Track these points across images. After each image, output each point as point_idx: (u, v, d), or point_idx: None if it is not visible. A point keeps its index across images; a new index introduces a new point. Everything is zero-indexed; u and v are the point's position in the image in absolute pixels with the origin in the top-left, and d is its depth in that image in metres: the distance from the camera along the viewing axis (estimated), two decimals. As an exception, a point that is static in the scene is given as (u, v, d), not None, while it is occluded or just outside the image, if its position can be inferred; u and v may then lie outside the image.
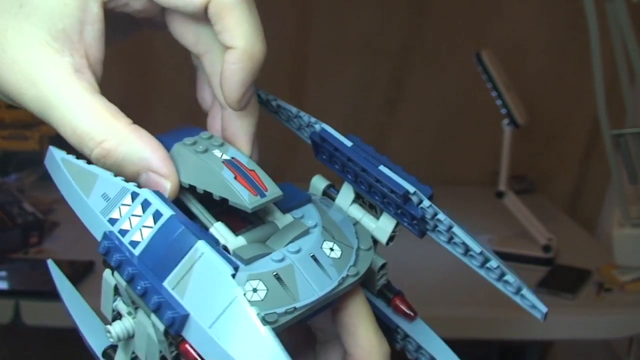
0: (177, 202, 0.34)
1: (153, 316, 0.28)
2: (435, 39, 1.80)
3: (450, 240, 0.33)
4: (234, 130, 0.36)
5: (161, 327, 0.28)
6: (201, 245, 0.28)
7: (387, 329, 0.38)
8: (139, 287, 0.29)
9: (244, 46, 0.33)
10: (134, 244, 0.30)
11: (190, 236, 0.29)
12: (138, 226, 0.30)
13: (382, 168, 0.34)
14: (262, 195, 0.32)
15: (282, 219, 0.35)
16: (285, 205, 0.35)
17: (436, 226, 0.33)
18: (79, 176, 0.32)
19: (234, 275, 0.27)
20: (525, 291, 0.31)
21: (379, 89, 1.87)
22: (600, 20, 1.13)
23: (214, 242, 0.29)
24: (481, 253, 0.32)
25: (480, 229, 1.51)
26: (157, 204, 0.30)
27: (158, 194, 0.31)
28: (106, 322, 0.32)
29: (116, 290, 0.31)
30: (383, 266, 0.36)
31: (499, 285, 0.32)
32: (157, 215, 0.30)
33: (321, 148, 0.36)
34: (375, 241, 0.36)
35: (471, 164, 1.90)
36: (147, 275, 0.29)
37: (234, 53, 0.34)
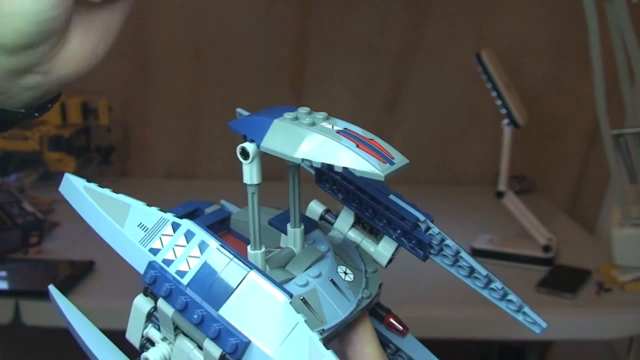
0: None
1: (207, 343, 0.29)
2: (435, 39, 1.80)
3: (455, 263, 0.35)
4: None
5: (217, 353, 0.29)
6: (254, 276, 0.29)
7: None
8: (195, 316, 0.29)
9: None
10: (181, 273, 0.30)
11: (240, 267, 0.29)
12: (184, 256, 0.30)
13: (392, 197, 0.36)
14: (391, 163, 0.30)
15: (299, 246, 0.35)
16: None
17: (442, 250, 0.35)
18: (108, 205, 0.33)
19: (290, 303, 0.28)
20: (526, 309, 0.34)
21: (379, 89, 1.87)
22: (600, 20, 1.13)
23: (261, 270, 0.30)
24: (486, 276, 0.34)
25: (480, 229, 1.51)
26: (201, 234, 0.31)
27: (199, 224, 0.31)
28: (130, 348, 0.33)
29: (148, 317, 0.32)
30: (379, 286, 0.37)
31: (502, 304, 0.34)
32: (202, 246, 0.30)
33: (325, 176, 0.37)
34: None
35: (471, 164, 1.90)
36: (202, 304, 0.29)
37: None
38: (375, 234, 0.38)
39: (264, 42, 1.75)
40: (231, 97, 1.73)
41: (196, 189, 1.77)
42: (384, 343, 0.39)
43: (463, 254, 0.34)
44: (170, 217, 0.32)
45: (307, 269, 0.33)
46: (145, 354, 0.31)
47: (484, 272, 0.34)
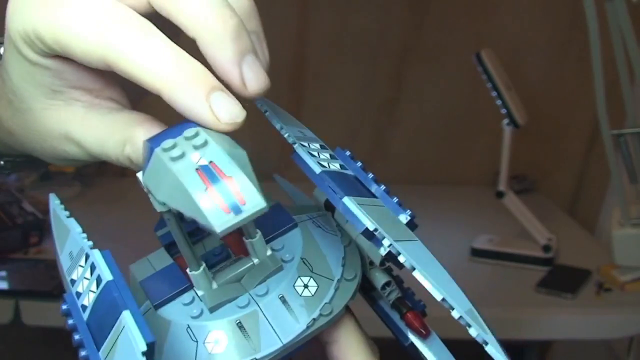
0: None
1: None
2: (435, 39, 1.80)
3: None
4: (213, 63, 0.29)
5: None
6: (125, 316, 0.26)
7: (401, 344, 0.36)
8: (81, 355, 0.28)
9: (200, 31, 0.29)
10: (84, 308, 0.28)
11: (118, 305, 0.27)
12: (87, 290, 0.29)
13: (346, 200, 0.31)
14: (237, 212, 0.25)
15: (262, 254, 0.32)
16: (268, 233, 0.33)
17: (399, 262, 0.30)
18: (59, 229, 0.32)
19: (145, 353, 0.25)
20: (489, 347, 0.29)
21: (379, 89, 1.87)
22: (600, 20, 1.13)
23: (184, 289, 0.29)
24: (443, 300, 0.29)
25: (480, 229, 1.51)
26: (100, 267, 0.28)
27: (106, 255, 0.29)
28: None
29: None
30: (388, 284, 0.35)
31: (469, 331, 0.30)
32: (99, 280, 0.28)
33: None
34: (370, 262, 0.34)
35: (471, 164, 1.90)
36: (87, 344, 0.28)
37: (199, 44, 0.29)
38: None
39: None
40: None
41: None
42: (405, 345, 0.36)
43: (416, 272, 0.29)
44: (86, 246, 0.30)
45: (259, 283, 0.31)
46: None
47: (439, 296, 0.29)
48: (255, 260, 0.32)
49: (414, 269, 0.28)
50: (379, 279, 0.34)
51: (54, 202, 0.34)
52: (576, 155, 1.84)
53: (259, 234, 0.32)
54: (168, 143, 0.28)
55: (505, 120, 1.43)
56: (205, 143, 0.27)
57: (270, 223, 0.33)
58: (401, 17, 1.80)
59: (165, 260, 0.34)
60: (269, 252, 0.32)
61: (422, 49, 1.81)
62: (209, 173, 0.26)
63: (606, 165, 1.24)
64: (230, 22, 0.28)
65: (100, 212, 1.57)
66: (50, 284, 1.23)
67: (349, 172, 0.34)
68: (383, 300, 0.36)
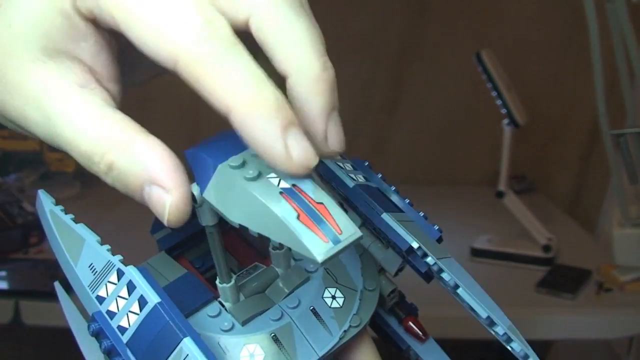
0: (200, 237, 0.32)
1: None
2: (435, 39, 1.80)
3: (454, 295, 0.31)
4: (301, 110, 0.27)
5: None
6: (186, 345, 0.26)
7: (399, 348, 0.37)
8: None
9: (297, 71, 0.27)
10: (122, 329, 0.27)
11: (175, 331, 0.26)
12: (125, 310, 0.27)
13: (384, 217, 0.31)
14: (336, 242, 0.24)
15: (282, 266, 0.32)
16: None
17: (441, 279, 0.31)
18: (66, 237, 0.30)
19: None
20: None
21: (379, 89, 1.86)
22: (600, 20, 1.13)
23: (208, 301, 0.28)
24: (488, 318, 0.31)
25: (480, 229, 1.51)
26: (142, 287, 0.27)
27: (144, 273, 0.28)
28: None
29: None
30: (393, 291, 0.35)
31: (508, 347, 0.31)
32: (142, 302, 0.27)
33: (324, 179, 0.34)
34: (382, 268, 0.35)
35: (471, 164, 1.90)
36: None
37: (290, 82, 0.27)
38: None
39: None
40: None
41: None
42: (403, 349, 0.36)
43: (461, 291, 0.30)
44: (116, 261, 0.28)
45: (288, 294, 0.31)
46: None
47: (484, 314, 0.30)
48: (279, 271, 0.32)
49: (457, 287, 0.30)
50: (386, 286, 0.35)
51: (48, 201, 0.31)
52: (576, 155, 1.84)
53: (287, 248, 0.31)
54: (235, 160, 0.26)
55: (505, 120, 1.43)
56: None
57: None
58: (401, 17, 1.80)
59: (172, 266, 0.34)
60: (292, 262, 0.32)
61: (422, 49, 1.81)
62: (296, 198, 0.25)
63: (606, 165, 1.24)
64: (331, 74, 0.28)
65: (101, 212, 1.57)
66: (50, 284, 1.22)
67: (372, 184, 0.34)
68: (380, 306, 0.36)
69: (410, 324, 0.35)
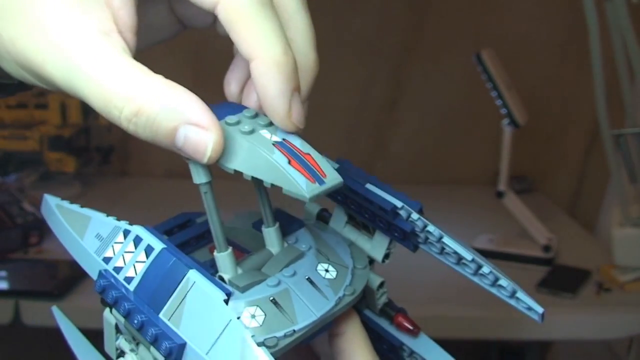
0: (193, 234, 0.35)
1: (152, 349, 0.29)
2: (435, 39, 1.80)
3: (442, 251, 0.33)
4: (262, 90, 0.30)
5: (161, 358, 0.28)
6: (192, 274, 0.28)
7: (392, 347, 0.38)
8: (135, 321, 0.29)
9: (262, 55, 0.29)
10: (129, 279, 0.30)
11: (181, 266, 0.29)
12: (131, 262, 0.30)
13: (368, 186, 0.34)
14: (321, 183, 0.28)
15: (278, 246, 0.34)
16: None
17: (427, 238, 0.33)
18: (72, 220, 0.33)
19: (226, 301, 0.27)
20: (519, 294, 0.31)
21: (379, 89, 1.87)
22: (600, 20, 1.13)
23: (207, 271, 0.29)
24: (473, 260, 0.32)
25: (480, 229, 1.51)
26: (148, 238, 0.30)
27: (149, 229, 0.31)
28: None
29: (117, 329, 0.32)
30: (382, 284, 0.36)
31: (493, 290, 0.32)
32: (149, 250, 0.30)
33: None
34: (372, 261, 0.36)
35: (471, 164, 1.90)
36: (143, 309, 0.29)
37: (257, 66, 0.30)
38: (369, 230, 0.36)
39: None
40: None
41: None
42: (396, 346, 0.37)
43: (446, 239, 0.32)
44: (122, 224, 0.31)
45: (283, 268, 0.33)
46: None
47: (469, 256, 0.32)
48: (273, 250, 0.34)
49: (441, 237, 0.32)
50: (375, 280, 0.36)
51: (54, 199, 0.34)
52: (576, 155, 1.84)
53: (277, 223, 0.34)
54: (232, 118, 0.30)
55: (505, 120, 1.43)
56: (271, 123, 0.30)
57: (281, 223, 0.35)
58: (401, 17, 1.80)
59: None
60: (285, 245, 0.34)
61: (422, 49, 1.81)
62: (286, 148, 0.29)
63: (606, 165, 1.24)
64: (289, 57, 0.30)
65: (101, 212, 1.57)
66: (50, 284, 1.23)
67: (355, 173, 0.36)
68: (369, 308, 0.37)
69: (401, 319, 0.37)
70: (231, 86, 0.35)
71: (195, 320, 0.28)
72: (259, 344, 0.28)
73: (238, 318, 0.27)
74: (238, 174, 0.29)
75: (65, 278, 1.25)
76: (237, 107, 0.31)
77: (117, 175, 1.82)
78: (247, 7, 0.29)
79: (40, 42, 0.29)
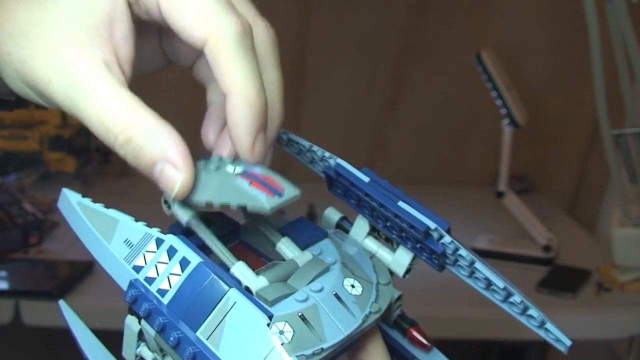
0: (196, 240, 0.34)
1: None
2: (435, 39, 1.80)
3: (471, 274, 0.33)
4: (234, 124, 0.34)
5: None
6: (233, 294, 0.28)
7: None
8: (171, 338, 0.28)
9: (239, 91, 0.33)
10: (162, 292, 0.29)
11: (220, 284, 0.28)
12: (165, 274, 0.30)
13: (401, 204, 0.34)
14: (280, 196, 0.31)
15: (301, 256, 0.34)
16: (303, 241, 0.35)
17: (457, 261, 0.33)
18: (97, 221, 0.33)
19: (269, 325, 0.27)
20: (549, 325, 0.31)
21: (379, 89, 1.87)
22: (600, 20, 1.13)
23: (242, 289, 0.29)
24: (504, 288, 0.31)
25: (480, 229, 1.51)
26: (183, 250, 0.30)
27: (183, 239, 0.30)
28: None
29: (140, 336, 0.31)
30: (399, 297, 0.36)
31: (522, 319, 0.32)
32: (184, 263, 0.29)
33: (335, 182, 0.36)
34: (390, 272, 0.36)
35: (471, 164, 1.90)
36: (178, 325, 0.28)
37: (231, 100, 0.33)
38: (392, 243, 0.36)
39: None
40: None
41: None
42: (408, 359, 0.37)
43: (478, 264, 0.32)
44: (155, 232, 0.31)
45: (310, 282, 0.32)
46: None
47: (501, 284, 0.31)
48: (300, 261, 0.33)
49: (473, 262, 0.32)
50: (393, 292, 0.35)
51: (74, 196, 0.34)
52: (576, 155, 1.84)
53: (285, 236, 0.35)
54: (200, 163, 0.33)
55: (505, 120, 1.43)
56: (234, 161, 0.33)
57: (304, 232, 0.35)
58: (401, 17, 1.80)
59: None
60: (310, 256, 0.34)
61: (422, 49, 1.81)
62: (248, 175, 0.32)
63: (606, 165, 1.24)
64: (262, 98, 0.33)
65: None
66: (50, 284, 1.23)
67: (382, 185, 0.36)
68: (383, 319, 0.36)
69: (415, 333, 0.36)
70: (209, 136, 0.38)
71: (236, 342, 0.27)
72: None
73: (282, 344, 0.27)
74: (209, 206, 0.32)
75: (65, 278, 1.25)
76: (205, 157, 0.34)
77: (117, 175, 1.82)
78: (233, 47, 0.32)
79: (49, 66, 0.32)
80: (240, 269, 0.32)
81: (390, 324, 0.37)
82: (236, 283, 0.29)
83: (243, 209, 0.31)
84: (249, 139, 0.33)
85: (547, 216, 1.53)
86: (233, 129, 0.33)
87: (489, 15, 1.77)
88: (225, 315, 0.28)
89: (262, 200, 0.31)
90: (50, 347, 1.60)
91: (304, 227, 0.36)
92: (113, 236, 0.32)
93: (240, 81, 0.33)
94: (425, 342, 0.36)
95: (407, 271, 0.35)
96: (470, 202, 1.73)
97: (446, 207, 1.57)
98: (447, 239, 0.32)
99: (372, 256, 0.36)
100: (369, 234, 0.36)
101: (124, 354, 0.32)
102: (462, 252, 0.32)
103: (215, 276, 0.29)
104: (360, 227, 0.37)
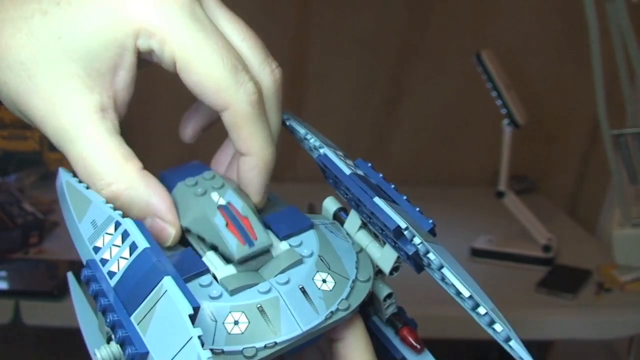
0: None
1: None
2: (435, 39, 1.80)
3: (442, 279, 0.31)
4: (249, 180, 0.36)
5: None
6: (167, 282, 0.27)
7: (393, 359, 0.37)
8: (108, 320, 0.28)
9: (257, 154, 0.35)
10: (111, 274, 0.29)
11: (158, 271, 0.28)
12: (116, 257, 0.30)
13: (376, 200, 0.33)
14: (251, 245, 0.32)
15: (277, 247, 0.34)
16: (285, 231, 0.35)
17: (429, 264, 0.32)
18: (76, 200, 0.33)
19: (192, 316, 0.26)
20: (513, 342, 0.30)
21: (379, 89, 1.87)
22: (600, 20, 1.13)
23: (201, 273, 0.30)
24: (470, 297, 0.30)
25: (480, 229, 1.51)
26: (135, 234, 0.29)
27: (140, 224, 0.30)
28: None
29: None
30: (389, 295, 0.35)
31: (490, 331, 0.31)
32: (133, 247, 0.29)
33: (326, 172, 0.36)
34: (380, 270, 0.35)
35: (471, 164, 1.90)
36: (117, 309, 0.29)
37: (249, 161, 0.35)
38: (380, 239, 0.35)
39: (264, 42, 1.74)
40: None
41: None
42: (397, 358, 0.36)
43: (445, 270, 0.31)
44: (116, 215, 0.31)
45: (279, 273, 0.32)
46: (95, 349, 0.30)
47: (467, 293, 0.30)
48: (272, 250, 0.34)
49: (442, 267, 0.31)
50: (383, 290, 0.35)
51: (66, 175, 0.34)
52: (576, 155, 1.84)
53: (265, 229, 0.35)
54: (190, 181, 0.35)
55: (505, 120, 1.43)
56: (223, 186, 0.34)
57: (289, 222, 0.35)
58: (401, 17, 1.80)
59: (176, 246, 0.35)
60: (287, 247, 0.34)
61: (422, 49, 1.81)
62: (228, 212, 0.33)
63: (606, 165, 1.24)
64: (275, 157, 0.36)
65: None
66: (50, 284, 1.23)
67: (372, 180, 0.36)
68: (377, 315, 0.36)
69: (405, 334, 0.35)
70: (187, 130, 0.40)
71: (160, 330, 0.27)
72: (237, 353, 0.28)
73: (199, 337, 0.26)
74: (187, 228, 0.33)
75: (65, 278, 1.25)
76: (200, 168, 0.36)
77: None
78: (251, 116, 0.34)
79: (44, 106, 0.32)
80: (210, 257, 0.32)
81: (384, 321, 0.36)
82: (175, 272, 0.28)
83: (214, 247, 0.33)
84: (263, 192, 0.36)
85: (547, 216, 1.53)
86: (250, 184, 0.36)
87: (489, 16, 1.77)
88: (157, 302, 0.28)
89: (232, 248, 0.32)
90: (50, 347, 1.60)
91: (291, 216, 0.35)
92: (84, 216, 0.32)
93: (259, 146, 0.35)
94: (415, 344, 0.35)
95: (395, 269, 0.34)
96: (470, 202, 1.73)
97: (446, 207, 1.58)
98: (416, 239, 0.32)
99: (360, 251, 0.35)
100: (362, 227, 0.36)
101: (99, 328, 0.33)
102: (431, 255, 0.31)
103: (156, 263, 0.28)
104: (354, 219, 0.36)
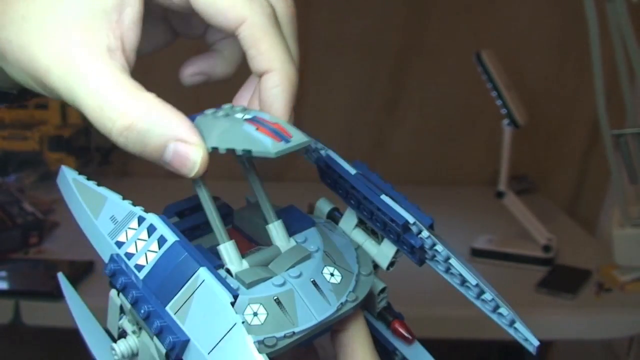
0: (197, 216, 0.35)
1: (155, 339, 0.29)
2: (435, 39, 1.80)
3: (447, 270, 0.34)
4: (273, 98, 0.34)
5: (163, 350, 0.29)
6: (202, 273, 0.29)
7: (385, 351, 0.38)
8: (142, 311, 0.29)
9: (279, 68, 0.34)
10: (139, 267, 0.30)
11: (192, 262, 0.29)
12: (143, 250, 0.31)
13: (383, 197, 0.35)
14: (287, 142, 0.30)
15: (285, 243, 0.35)
16: (289, 229, 0.35)
17: (434, 256, 0.34)
18: (88, 197, 0.33)
19: (233, 303, 0.28)
20: (518, 324, 0.32)
21: (379, 89, 1.87)
22: (600, 20, 1.13)
23: (215, 268, 0.30)
24: (477, 285, 0.33)
25: (480, 229, 1.51)
26: (162, 229, 0.31)
27: (164, 219, 0.31)
28: (112, 337, 0.33)
29: (122, 309, 0.32)
30: (383, 290, 0.37)
31: (494, 317, 0.33)
32: (161, 241, 0.30)
33: (325, 173, 0.37)
34: (375, 265, 0.37)
35: (471, 164, 1.90)
36: (150, 299, 0.29)
37: (272, 77, 0.34)
38: (378, 235, 0.37)
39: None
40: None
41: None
42: (390, 350, 0.38)
43: (453, 260, 0.33)
44: (138, 211, 0.32)
45: (289, 268, 0.33)
46: (113, 345, 0.32)
47: (473, 282, 0.33)
48: (279, 245, 0.34)
49: (449, 258, 0.33)
50: (377, 284, 0.37)
51: (71, 173, 0.34)
52: (576, 155, 1.84)
53: (279, 219, 0.35)
54: (209, 110, 0.33)
55: (505, 120, 1.43)
56: (245, 108, 0.33)
57: (290, 220, 0.36)
58: (401, 17, 1.80)
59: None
60: (293, 244, 0.35)
61: (422, 49, 1.81)
62: (256, 121, 0.31)
63: (606, 165, 1.24)
64: (297, 73, 0.35)
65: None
66: (50, 284, 1.23)
67: (371, 178, 0.37)
68: (368, 310, 0.38)
69: (397, 326, 0.37)
70: (187, 70, 0.38)
71: (201, 319, 0.28)
72: (259, 342, 0.29)
73: (243, 322, 0.27)
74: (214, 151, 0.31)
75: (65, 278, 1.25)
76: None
77: (117, 175, 1.82)
78: (269, 30, 0.33)
79: (48, 53, 0.31)
80: (227, 249, 0.33)
81: (375, 315, 0.38)
82: (210, 261, 0.30)
83: (248, 155, 0.31)
84: (289, 109, 0.34)
85: (547, 216, 1.53)
86: (274, 103, 0.34)
87: (489, 15, 1.77)
88: (194, 292, 0.29)
89: (267, 145, 0.30)
90: (50, 347, 1.60)
91: (292, 214, 0.36)
92: (101, 212, 0.33)
93: (281, 60, 0.34)
94: (407, 335, 0.37)
95: (391, 264, 0.36)
96: (470, 202, 1.73)
97: (446, 207, 1.58)
98: (424, 233, 0.34)
99: (358, 247, 0.37)
100: (357, 225, 0.37)
101: (108, 325, 0.33)
102: (438, 247, 0.33)
103: (188, 255, 0.29)
104: (349, 218, 0.38)
